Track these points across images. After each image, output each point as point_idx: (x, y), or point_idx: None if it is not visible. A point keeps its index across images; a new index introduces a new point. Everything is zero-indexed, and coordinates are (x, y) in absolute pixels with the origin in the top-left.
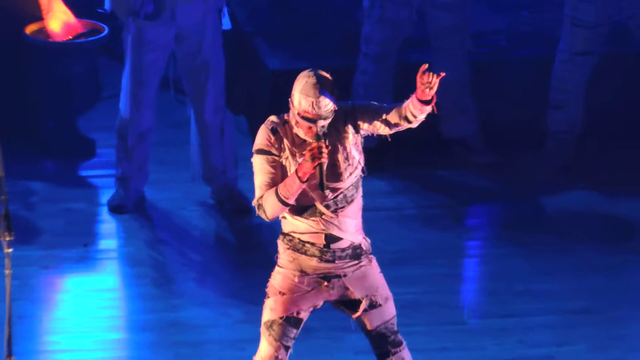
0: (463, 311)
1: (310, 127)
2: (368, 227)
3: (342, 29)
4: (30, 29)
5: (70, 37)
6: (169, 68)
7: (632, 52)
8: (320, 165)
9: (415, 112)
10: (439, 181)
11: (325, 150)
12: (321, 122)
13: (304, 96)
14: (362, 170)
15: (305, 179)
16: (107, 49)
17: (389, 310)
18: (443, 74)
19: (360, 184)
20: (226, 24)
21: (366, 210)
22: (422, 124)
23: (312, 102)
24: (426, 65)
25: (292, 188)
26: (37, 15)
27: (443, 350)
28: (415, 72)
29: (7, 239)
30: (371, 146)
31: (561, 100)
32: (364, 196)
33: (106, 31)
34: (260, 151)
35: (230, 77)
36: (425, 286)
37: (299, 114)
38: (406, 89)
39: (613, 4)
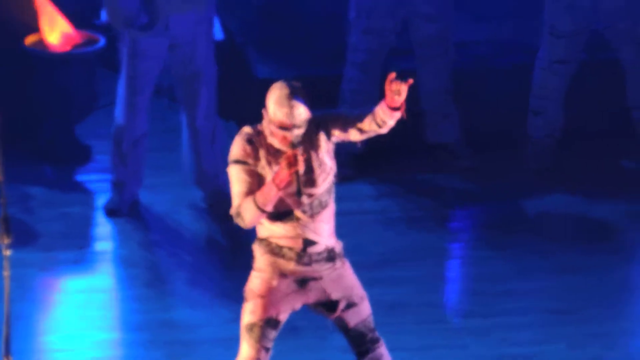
0: (446, 311)
1: (285, 137)
2: (354, 229)
3: (329, 39)
4: (29, 40)
5: (67, 47)
6: (162, 75)
7: (609, 59)
8: (297, 172)
9: (385, 117)
10: (423, 185)
11: (300, 158)
12: (296, 131)
13: (278, 107)
14: (335, 176)
15: (282, 187)
16: (104, 59)
17: (365, 309)
18: (411, 81)
19: (333, 189)
20: (217, 34)
21: (353, 213)
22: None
23: (287, 113)
24: (394, 74)
25: (269, 195)
26: (35, 26)
27: (427, 348)
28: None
29: (6, 241)
30: (357, 152)
31: (541, 106)
32: (351, 200)
33: (102, 42)
34: (237, 161)
35: (222, 85)
36: (409, 287)
37: (274, 124)
38: None
39: (590, 14)
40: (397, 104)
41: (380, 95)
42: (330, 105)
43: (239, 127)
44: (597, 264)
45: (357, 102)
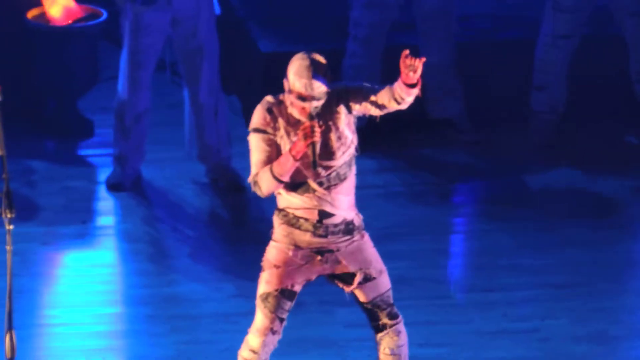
0: (449, 285)
1: (303, 108)
2: (357, 204)
3: (332, 13)
4: (31, 13)
5: (70, 21)
6: (165, 51)
7: (613, 34)
8: (313, 143)
9: (402, 94)
10: (425, 159)
11: (317, 130)
12: (314, 103)
13: (297, 78)
14: (355, 149)
15: (298, 158)
16: (106, 33)
17: (384, 283)
18: (424, 59)
19: (353, 162)
20: (215, 9)
21: (355, 188)
22: (410, 104)
23: (306, 84)
24: (408, 51)
25: (285, 166)
26: (38, 0)
27: (430, 323)
28: (403, 54)
29: (9, 216)
30: (361, 126)
31: (544, 81)
32: None
33: (105, 16)
34: (256, 130)
35: (224, 60)
36: (412, 261)
37: (293, 94)
38: (394, 71)
39: None
40: (413, 81)
41: (382, 70)
42: (334, 81)
43: (242, 101)
44: (600, 239)
45: (360, 77)
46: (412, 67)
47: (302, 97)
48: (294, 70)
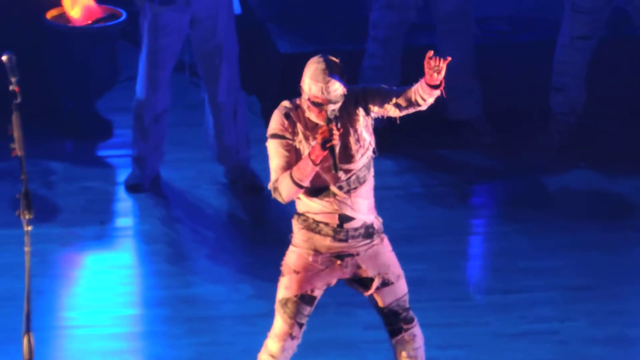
0: (468, 287)
1: (320, 111)
2: (376, 205)
3: (351, 14)
4: (51, 14)
5: (89, 21)
6: (184, 51)
7: (632, 35)
8: (332, 147)
9: (424, 95)
10: (444, 160)
11: (336, 133)
12: (331, 106)
13: (313, 82)
14: (373, 151)
15: (318, 162)
16: (125, 33)
17: (401, 287)
18: (449, 59)
19: (371, 164)
20: (235, 8)
21: (374, 188)
22: (429, 105)
23: (322, 87)
24: (432, 52)
25: (305, 171)
26: (57, 0)
27: (448, 325)
28: (422, 55)
29: (27, 217)
30: (379, 127)
31: (562, 83)
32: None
33: (124, 16)
34: (275, 135)
35: (243, 60)
36: (431, 263)
37: (309, 99)
38: (413, 72)
39: None
40: (437, 82)
41: (401, 71)
42: (351, 82)
43: (261, 102)
44: (618, 241)
45: (378, 78)
46: (437, 68)
47: (318, 101)
48: (310, 74)
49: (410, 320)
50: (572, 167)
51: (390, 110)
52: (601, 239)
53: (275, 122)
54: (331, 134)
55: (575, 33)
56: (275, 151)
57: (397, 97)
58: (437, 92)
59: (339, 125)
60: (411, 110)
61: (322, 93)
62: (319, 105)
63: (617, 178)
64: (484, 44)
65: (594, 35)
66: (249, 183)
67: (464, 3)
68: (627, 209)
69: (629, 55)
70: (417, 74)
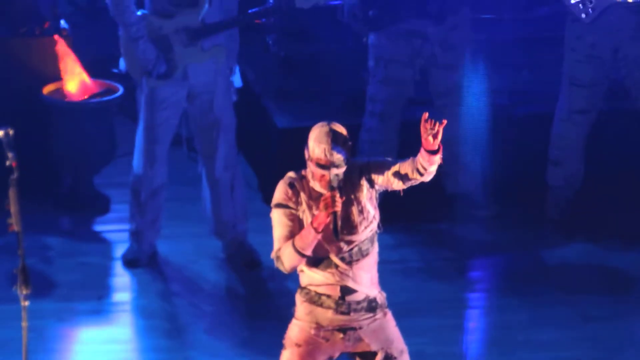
0: None
1: (323, 175)
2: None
3: (348, 89)
4: (47, 89)
5: (86, 96)
6: (182, 126)
7: (630, 109)
8: (335, 214)
9: (424, 164)
10: (442, 234)
11: (338, 200)
12: (334, 170)
13: (317, 144)
14: (378, 226)
15: (320, 229)
16: (122, 108)
17: None
18: (445, 122)
19: (375, 238)
20: (237, 81)
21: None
22: (432, 177)
23: (325, 149)
24: (427, 114)
25: (307, 239)
26: (53, 75)
27: None
28: (420, 129)
29: (24, 292)
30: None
31: (560, 156)
32: None
33: (121, 91)
34: (279, 205)
35: (240, 135)
36: (430, 337)
37: (312, 161)
38: (411, 146)
39: (609, 63)
40: (434, 147)
41: (399, 145)
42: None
43: (259, 177)
44: (618, 314)
45: (376, 152)
46: (432, 132)
47: (321, 164)
48: (314, 137)
49: None
50: (570, 240)
51: (394, 183)
52: (601, 312)
53: (280, 191)
54: (334, 201)
55: (573, 107)
56: (278, 220)
57: (401, 168)
58: (438, 159)
59: (341, 193)
60: (415, 182)
61: (325, 155)
62: (322, 168)
63: (615, 251)
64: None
65: (592, 109)
66: (247, 258)
67: (461, 78)
68: (626, 282)
69: (626, 129)
70: (415, 147)
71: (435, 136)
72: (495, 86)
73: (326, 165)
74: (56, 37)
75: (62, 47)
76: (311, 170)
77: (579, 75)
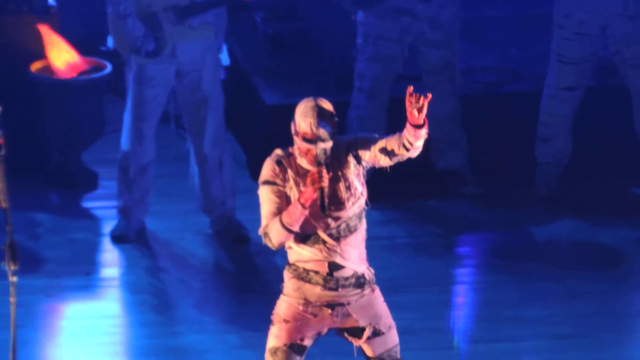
0: (454, 337)
1: (309, 150)
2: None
3: (336, 66)
4: (35, 66)
5: (74, 74)
6: (170, 103)
7: (617, 86)
8: (322, 189)
9: (410, 138)
10: (430, 211)
11: (325, 175)
12: (321, 145)
13: (303, 118)
14: (366, 203)
15: (307, 205)
16: (111, 86)
17: (392, 338)
18: (430, 96)
19: (363, 215)
20: (224, 59)
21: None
22: (419, 152)
23: (311, 123)
24: (412, 87)
25: (294, 215)
26: (42, 53)
27: None
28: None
29: (12, 268)
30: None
31: (548, 133)
32: None
33: (109, 68)
34: (266, 182)
35: (229, 112)
36: (418, 312)
37: (299, 135)
38: (399, 123)
39: (597, 41)
40: (420, 121)
41: (387, 122)
42: (337, 133)
43: (247, 154)
44: (604, 291)
45: (365, 129)
46: (417, 105)
47: (307, 138)
48: (300, 112)
49: None
50: (558, 217)
51: (381, 159)
52: (588, 289)
53: (267, 169)
54: (320, 176)
55: (560, 84)
56: (266, 197)
57: (386, 143)
58: (423, 134)
59: (328, 169)
60: (402, 158)
61: (312, 129)
62: (309, 142)
63: (603, 228)
64: (470, 94)
65: (580, 86)
66: (235, 234)
67: (449, 54)
68: (613, 259)
69: (614, 106)
70: (403, 124)
71: (420, 110)
72: (484, 64)
73: (312, 140)
74: (39, 26)
75: (45, 29)
76: (298, 145)
77: (567, 52)
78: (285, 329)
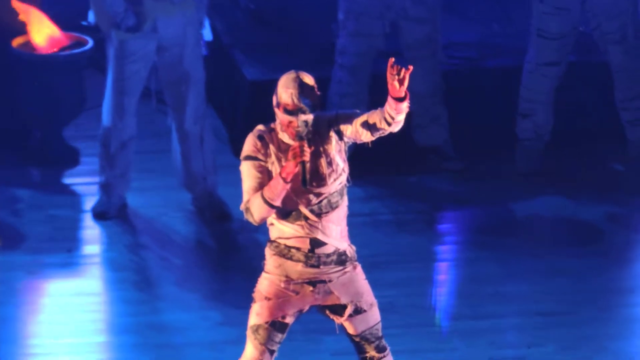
0: (436, 313)
1: (291, 122)
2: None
3: (318, 41)
4: (16, 42)
5: (55, 49)
6: (151, 79)
7: (598, 61)
8: (303, 163)
9: (392, 112)
10: (412, 187)
11: (307, 149)
12: (302, 117)
13: (284, 89)
14: (347, 180)
15: (289, 180)
16: (92, 61)
17: (374, 316)
18: (411, 68)
19: (345, 191)
20: (207, 35)
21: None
22: (400, 127)
23: (292, 94)
24: (393, 59)
25: (276, 189)
26: (23, 29)
27: (416, 351)
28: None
29: None
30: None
31: (529, 109)
32: None
33: (90, 43)
34: (247, 157)
35: (210, 87)
36: (399, 289)
37: (280, 107)
38: (381, 98)
39: (577, 16)
40: (401, 93)
41: (368, 97)
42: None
43: (228, 129)
44: (586, 267)
45: (346, 105)
46: (398, 77)
47: (289, 110)
48: (282, 84)
49: (383, 349)
50: (540, 193)
51: (363, 134)
52: (569, 265)
53: (249, 144)
54: (302, 151)
55: (541, 59)
56: (247, 173)
57: (368, 118)
58: (404, 107)
59: (310, 145)
60: (383, 132)
61: (293, 100)
62: (290, 114)
63: (584, 204)
64: (451, 70)
65: (561, 61)
66: (217, 210)
67: (431, 30)
68: (595, 235)
69: (595, 81)
70: (385, 100)
71: (401, 82)
72: (465, 39)
73: (294, 111)
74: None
75: (23, 5)
76: (279, 118)
77: (547, 27)
78: (267, 307)
